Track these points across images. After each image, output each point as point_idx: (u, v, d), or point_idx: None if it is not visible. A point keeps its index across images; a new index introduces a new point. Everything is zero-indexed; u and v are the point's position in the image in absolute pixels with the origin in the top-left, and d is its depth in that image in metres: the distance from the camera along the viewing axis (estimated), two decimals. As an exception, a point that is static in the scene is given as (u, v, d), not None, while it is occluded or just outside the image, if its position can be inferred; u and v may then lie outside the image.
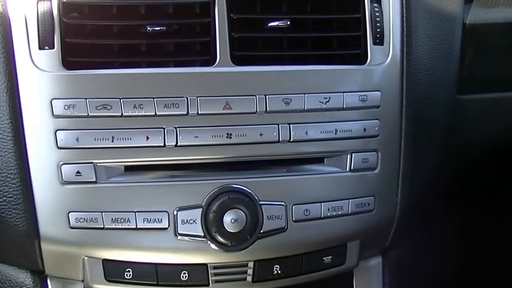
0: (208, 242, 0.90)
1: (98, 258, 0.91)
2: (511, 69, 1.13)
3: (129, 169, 0.90)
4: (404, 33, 1.00)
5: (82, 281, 0.93)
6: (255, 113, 0.91)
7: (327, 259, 0.98)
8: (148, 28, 0.89)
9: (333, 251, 0.98)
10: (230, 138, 0.91)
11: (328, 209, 0.94)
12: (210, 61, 0.91)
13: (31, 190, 0.88)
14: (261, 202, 0.91)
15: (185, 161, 0.91)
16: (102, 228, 0.88)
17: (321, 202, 0.94)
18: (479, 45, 1.11)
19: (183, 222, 0.89)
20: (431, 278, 1.29)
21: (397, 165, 1.00)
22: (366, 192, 0.98)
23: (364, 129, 0.96)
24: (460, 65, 1.07)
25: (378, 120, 0.97)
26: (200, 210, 0.89)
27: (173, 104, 0.89)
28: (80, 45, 0.89)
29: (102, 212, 0.88)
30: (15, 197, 0.88)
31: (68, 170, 0.87)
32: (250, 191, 0.91)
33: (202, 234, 0.90)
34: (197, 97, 0.89)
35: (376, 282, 1.08)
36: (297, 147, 0.93)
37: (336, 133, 0.95)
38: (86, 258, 0.91)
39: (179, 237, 0.89)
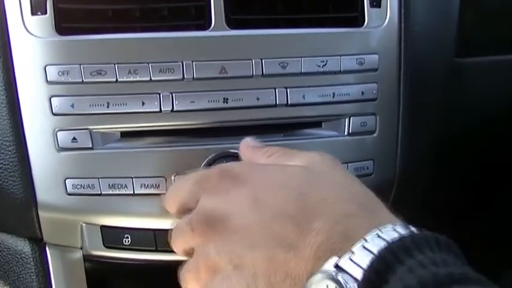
0: (206, 207, 0.89)
1: (96, 224, 0.91)
2: (511, 30, 1.12)
3: (126, 135, 0.90)
4: (402, -6, 0.99)
5: (81, 248, 0.93)
6: (251, 77, 0.91)
7: (327, 223, 0.97)
8: (142, -8, 0.89)
9: (332, 215, 0.98)
10: (227, 102, 0.90)
11: (327, 173, 0.94)
12: (205, 25, 0.90)
13: (27, 157, 0.87)
14: (258, 167, 0.90)
15: (182, 127, 0.90)
16: (100, 195, 0.88)
17: (319, 166, 0.93)
18: (479, 6, 1.10)
19: (180, 187, 0.89)
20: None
21: (395, 128, 0.99)
22: (365, 156, 0.97)
23: (362, 93, 0.96)
24: (459, 26, 1.06)
25: (375, 84, 0.96)
26: (197, 175, 0.89)
27: (168, 69, 0.88)
28: (73, 10, 0.88)
29: (99, 178, 0.88)
30: (11, 164, 0.87)
31: (63, 137, 0.87)
32: (247, 155, 0.90)
33: (200, 200, 0.89)
34: (192, 61, 0.89)
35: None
36: (294, 111, 0.93)
37: (333, 97, 0.94)
38: (83, 224, 0.91)
39: (177, 202, 0.89)
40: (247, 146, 0.87)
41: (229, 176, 0.77)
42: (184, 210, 0.79)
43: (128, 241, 0.91)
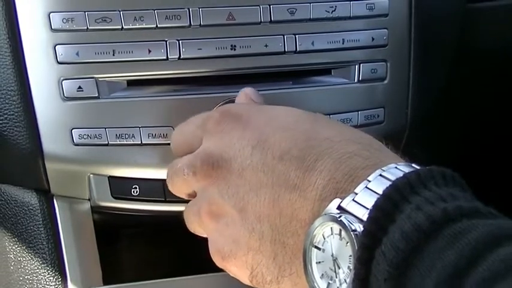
0: (215, 156, 0.88)
1: (103, 175, 0.90)
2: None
3: (132, 84, 0.88)
4: None
5: (89, 199, 0.92)
6: (259, 23, 0.89)
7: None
8: None
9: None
10: (234, 50, 0.88)
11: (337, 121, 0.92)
12: (211, -30, 0.88)
13: (32, 107, 0.86)
14: (268, 114, 0.89)
15: (189, 75, 0.88)
16: (107, 145, 0.87)
17: (329, 114, 0.92)
18: None
19: (188, 136, 0.87)
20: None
21: (406, 75, 0.98)
22: (375, 104, 0.96)
23: (372, 39, 0.94)
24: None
25: (386, 30, 0.95)
26: (206, 124, 0.87)
27: (174, 15, 0.86)
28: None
29: (106, 128, 0.86)
30: (16, 114, 0.86)
31: (69, 86, 0.85)
32: (256, 103, 0.89)
33: (209, 149, 0.88)
34: (199, 8, 0.87)
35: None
36: (303, 58, 0.91)
37: (343, 43, 0.92)
38: (91, 175, 0.90)
39: (185, 152, 0.88)
40: (245, 94, 0.85)
41: (230, 115, 0.75)
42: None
43: (136, 192, 0.90)
